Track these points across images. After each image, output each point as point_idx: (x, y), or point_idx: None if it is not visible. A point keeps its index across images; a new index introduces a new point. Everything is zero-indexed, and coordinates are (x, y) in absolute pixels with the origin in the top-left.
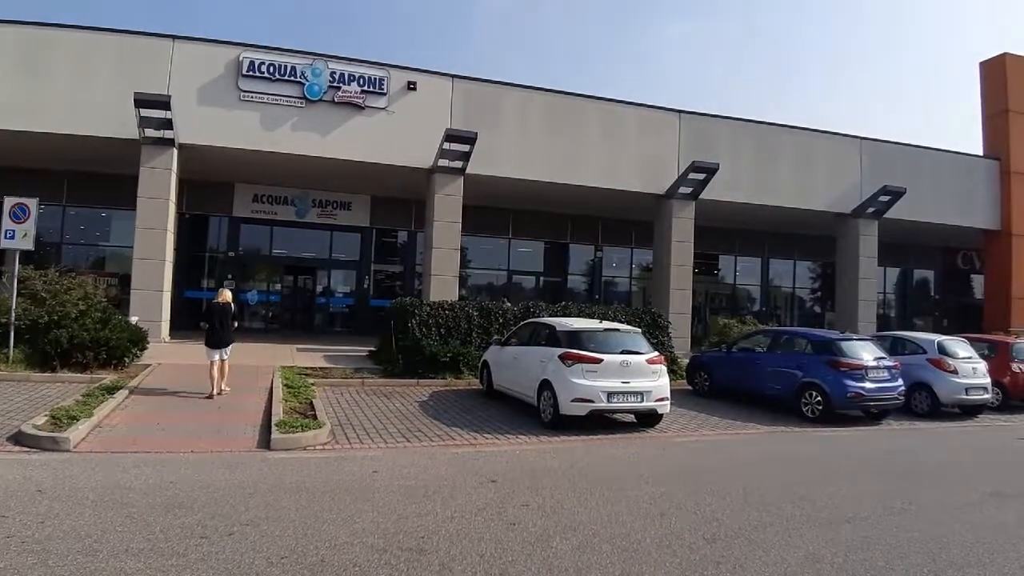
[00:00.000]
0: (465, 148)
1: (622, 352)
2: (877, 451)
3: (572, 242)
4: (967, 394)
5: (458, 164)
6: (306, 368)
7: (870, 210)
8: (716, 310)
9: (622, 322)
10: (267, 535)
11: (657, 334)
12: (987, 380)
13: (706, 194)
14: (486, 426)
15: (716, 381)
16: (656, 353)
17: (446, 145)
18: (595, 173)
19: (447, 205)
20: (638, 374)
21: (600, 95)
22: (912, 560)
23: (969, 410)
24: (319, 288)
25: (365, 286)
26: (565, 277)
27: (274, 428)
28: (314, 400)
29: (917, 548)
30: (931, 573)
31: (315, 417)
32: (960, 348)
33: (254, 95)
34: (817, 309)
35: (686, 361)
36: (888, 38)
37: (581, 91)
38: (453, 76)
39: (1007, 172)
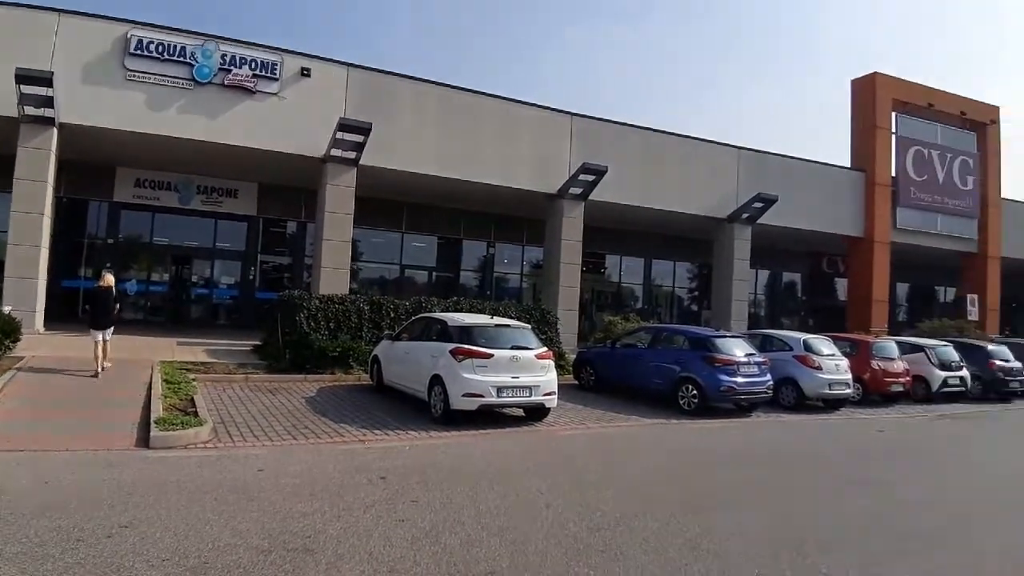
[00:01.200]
0: (359, 138)
1: (512, 347)
2: (748, 442)
3: (465, 238)
4: (830, 389)
5: (351, 155)
6: (187, 363)
7: (745, 216)
8: (602, 307)
9: (513, 318)
10: (147, 537)
11: (546, 330)
12: (849, 376)
13: (596, 195)
14: (376, 422)
15: (601, 376)
16: (545, 348)
17: (339, 135)
18: (489, 170)
19: (339, 196)
20: (527, 369)
21: (496, 93)
22: (782, 544)
23: (832, 403)
24: (203, 279)
25: (251, 277)
26: (458, 273)
27: (153, 426)
28: (195, 396)
29: (786, 532)
30: (799, 555)
31: (196, 414)
32: (824, 346)
33: (141, 75)
34: (695, 307)
35: (573, 356)
36: (761, 56)
37: (478, 88)
38: (348, 64)
39: (871, 183)
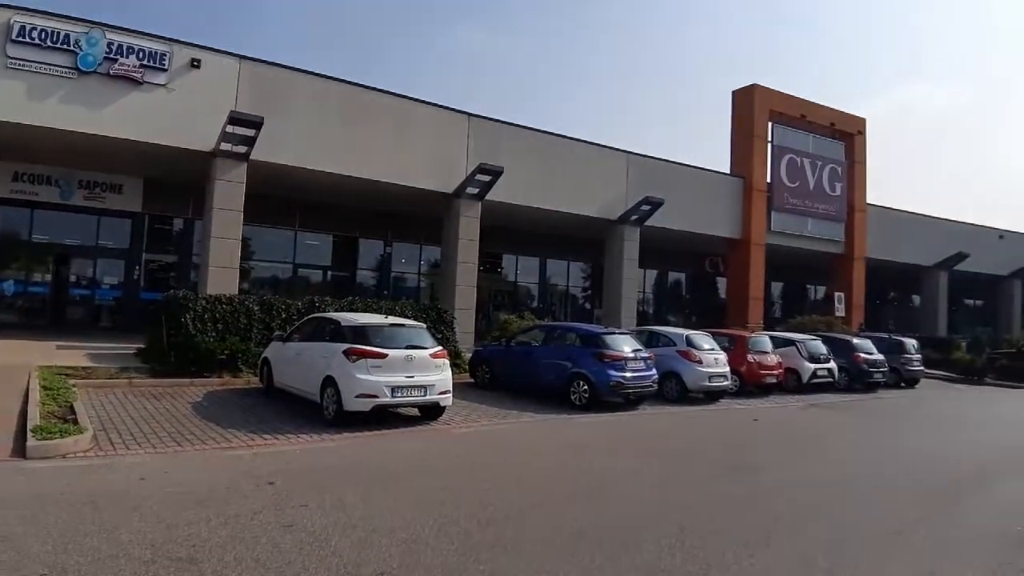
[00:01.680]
0: (250, 132)
1: (407, 347)
2: (635, 433)
3: (362, 236)
4: (710, 381)
5: (242, 149)
6: (67, 368)
7: (633, 218)
8: (500, 306)
9: (408, 317)
10: (23, 551)
11: (442, 329)
12: (727, 369)
13: (493, 195)
14: (265, 426)
15: (497, 374)
16: (440, 347)
17: (229, 128)
18: (387, 168)
19: (229, 192)
20: (422, 368)
21: (395, 91)
22: (664, 529)
23: (712, 395)
24: (84, 279)
25: (136, 277)
26: (354, 272)
27: (30, 434)
28: (75, 403)
29: (668, 518)
30: (679, 540)
31: (76, 422)
32: (705, 341)
33: (22, 63)
34: (588, 306)
35: (470, 355)
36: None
37: (376, 85)
38: (241, 57)
39: (749, 189)
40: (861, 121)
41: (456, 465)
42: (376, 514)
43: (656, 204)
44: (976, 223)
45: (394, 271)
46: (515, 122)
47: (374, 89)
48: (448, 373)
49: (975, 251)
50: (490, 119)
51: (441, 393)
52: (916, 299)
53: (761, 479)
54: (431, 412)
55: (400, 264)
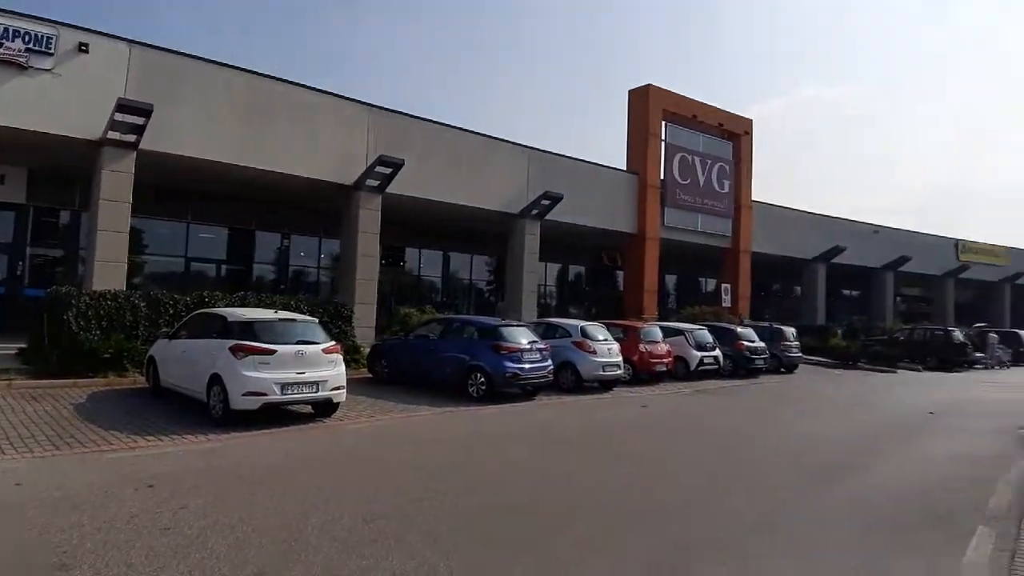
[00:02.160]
0: (139, 120)
1: (298, 342)
2: (527, 424)
3: (259, 229)
4: (604, 371)
5: (131, 138)
6: None
7: (534, 212)
8: (403, 300)
9: (304, 312)
10: None
11: (340, 324)
12: (620, 359)
13: (394, 188)
14: (149, 427)
15: (395, 368)
16: (333, 342)
17: (118, 116)
18: (284, 159)
19: (116, 182)
20: (314, 364)
21: (294, 80)
22: (548, 517)
23: (606, 384)
24: None
25: (19, 273)
26: (251, 266)
27: None
28: None
29: (555, 506)
30: (566, 526)
31: None
32: (599, 332)
33: None
34: (492, 299)
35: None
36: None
37: (276, 75)
38: (131, 41)
39: (644, 185)
40: (748, 122)
41: (346, 461)
42: (258, 514)
43: (555, 199)
44: (853, 219)
45: (293, 265)
46: (418, 115)
47: (272, 78)
48: (342, 368)
49: (852, 245)
50: (392, 111)
51: (334, 389)
52: (798, 290)
53: (643, 464)
54: (325, 409)
55: (299, 258)
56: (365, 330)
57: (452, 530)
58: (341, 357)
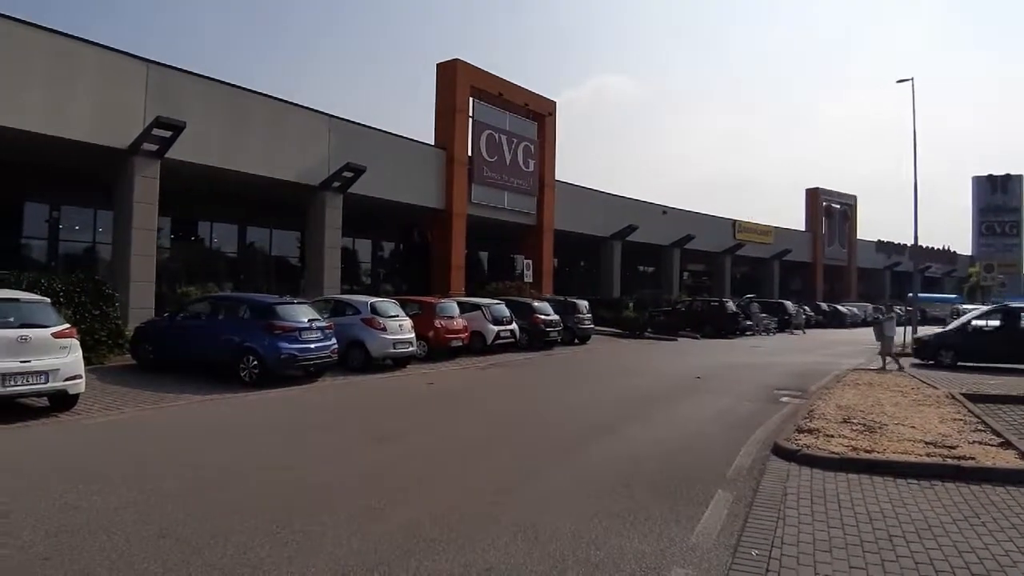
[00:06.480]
0: None
1: (21, 326)
2: (295, 410)
3: (26, 200)
4: (395, 348)
5: None
6: None
7: (335, 184)
8: (194, 278)
9: (57, 291)
10: None
11: (101, 304)
12: (412, 335)
13: (177, 154)
14: None
15: (162, 352)
16: (67, 326)
17: None
18: (45, 118)
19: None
20: (42, 351)
21: (53, 27)
22: (293, 510)
23: (399, 361)
24: None
25: None
26: (18, 241)
27: None
28: None
29: (300, 499)
30: (328, 516)
31: None
32: (391, 308)
33: None
34: (296, 276)
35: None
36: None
37: (33, 20)
38: None
39: (451, 161)
40: (552, 103)
41: (59, 466)
42: None
43: (359, 171)
44: (645, 200)
45: (65, 239)
46: (203, 73)
47: (26, 23)
48: (78, 355)
49: (644, 224)
50: (173, 68)
51: (69, 379)
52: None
53: (405, 445)
54: (63, 401)
55: (73, 232)
56: (142, 311)
57: (151, 538)
58: (77, 342)
